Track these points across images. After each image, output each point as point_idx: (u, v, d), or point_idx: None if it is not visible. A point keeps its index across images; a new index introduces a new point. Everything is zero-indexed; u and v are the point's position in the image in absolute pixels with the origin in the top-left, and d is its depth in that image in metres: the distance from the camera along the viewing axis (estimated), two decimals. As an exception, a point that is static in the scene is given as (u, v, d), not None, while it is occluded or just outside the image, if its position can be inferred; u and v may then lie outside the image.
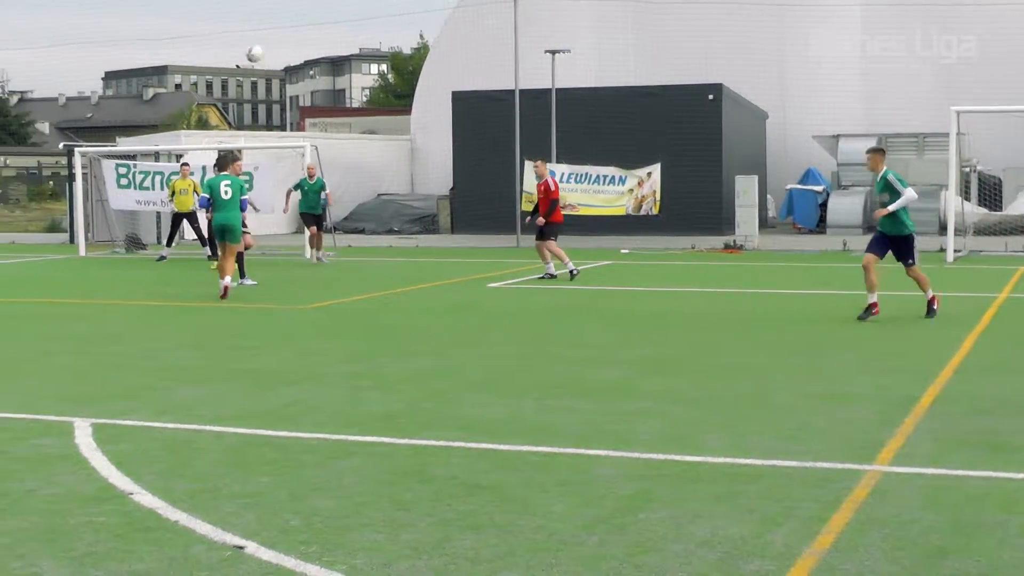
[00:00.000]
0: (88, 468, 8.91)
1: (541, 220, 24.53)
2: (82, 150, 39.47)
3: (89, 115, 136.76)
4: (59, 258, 34.82)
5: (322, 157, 32.24)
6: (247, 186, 23.43)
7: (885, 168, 17.22)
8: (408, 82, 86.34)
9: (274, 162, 36.12)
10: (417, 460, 9.05)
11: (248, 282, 23.96)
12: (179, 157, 37.20)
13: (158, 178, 34.79)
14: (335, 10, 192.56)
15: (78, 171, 37.84)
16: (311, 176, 29.90)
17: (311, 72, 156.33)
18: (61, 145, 60.76)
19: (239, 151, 30.73)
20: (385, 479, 8.48)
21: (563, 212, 25.81)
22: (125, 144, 48.04)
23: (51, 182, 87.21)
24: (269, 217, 36.46)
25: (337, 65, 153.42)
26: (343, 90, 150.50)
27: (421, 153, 52.92)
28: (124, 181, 35.92)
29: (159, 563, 6.71)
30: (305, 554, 6.82)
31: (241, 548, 6.94)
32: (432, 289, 23.36)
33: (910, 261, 17.17)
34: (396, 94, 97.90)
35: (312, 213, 29.86)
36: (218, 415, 10.83)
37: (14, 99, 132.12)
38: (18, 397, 11.95)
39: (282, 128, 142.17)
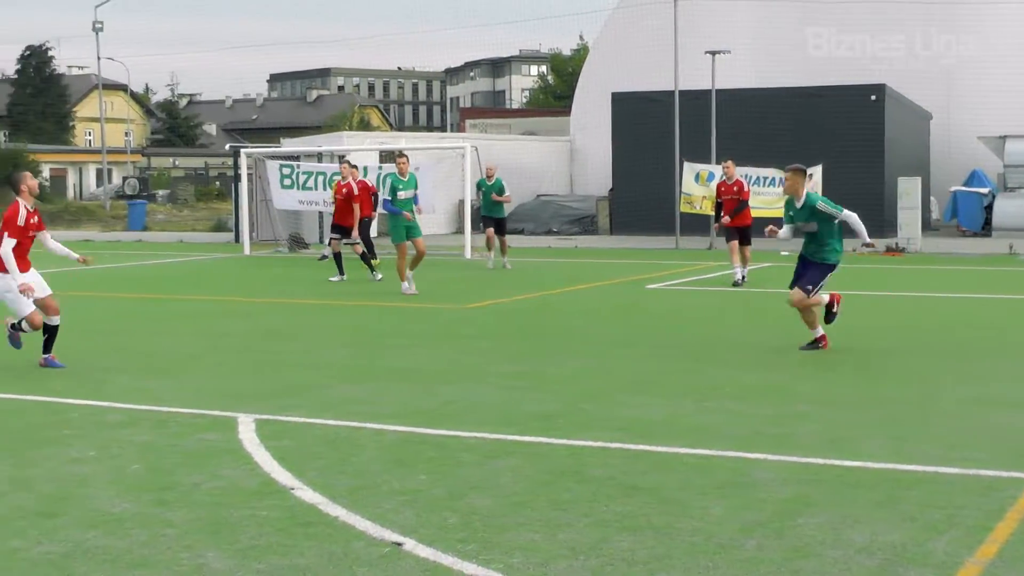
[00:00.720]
0: (251, 463, 9.08)
1: (727, 219, 24.06)
2: (247, 151, 40.14)
3: (254, 117, 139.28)
4: (224, 257, 35.50)
5: (482, 158, 32.35)
6: (386, 186, 23.49)
7: (807, 192, 14.79)
8: (568, 83, 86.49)
9: (434, 163, 36.39)
10: (575, 460, 9.07)
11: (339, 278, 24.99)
12: (341, 158, 37.62)
13: (320, 178, 35.30)
14: (495, 12, 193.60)
15: (243, 172, 38.47)
16: (490, 176, 28.35)
17: (471, 73, 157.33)
18: (227, 146, 61.91)
19: (399, 151, 30.93)
20: (543, 479, 8.51)
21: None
22: (289, 145, 48.81)
23: (217, 182, 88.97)
24: (428, 217, 36.71)
25: (497, 66, 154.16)
26: (503, 91, 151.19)
27: (580, 154, 52.95)
28: (287, 181, 36.53)
29: (319, 558, 6.82)
30: (463, 552, 6.88)
31: (400, 545, 7.02)
32: (591, 290, 23.37)
33: (808, 287, 14.61)
34: (556, 95, 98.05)
35: (491, 216, 28.31)
36: (378, 412, 10.95)
37: (183, 102, 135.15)
38: (185, 392, 12.22)
39: (442, 129, 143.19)
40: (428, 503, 7.90)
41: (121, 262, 32.71)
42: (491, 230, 28.12)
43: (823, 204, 14.66)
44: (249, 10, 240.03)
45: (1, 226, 13.32)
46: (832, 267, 14.83)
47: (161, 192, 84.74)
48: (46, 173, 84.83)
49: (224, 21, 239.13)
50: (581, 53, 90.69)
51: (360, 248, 25.89)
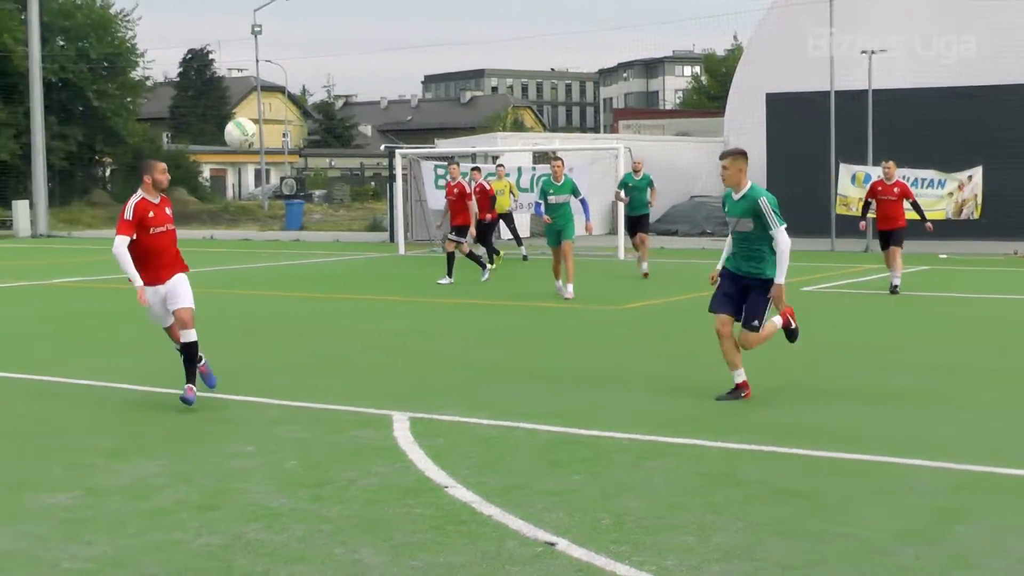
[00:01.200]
0: (405, 461, 9.18)
1: (929, 225, 23.46)
2: (402, 152, 40.49)
3: (409, 118, 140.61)
4: (379, 256, 35.85)
5: (635, 159, 32.22)
6: (538, 188, 23.50)
7: (751, 183, 11.70)
8: (721, 84, 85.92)
9: (587, 164, 36.40)
10: (728, 463, 9.02)
11: (443, 280, 24.75)
12: (495, 159, 37.84)
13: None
14: (648, 12, 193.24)
15: (398, 172, 38.83)
16: (637, 172, 26.86)
17: (624, 74, 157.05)
18: (382, 147, 62.63)
19: (554, 153, 30.92)
20: (696, 481, 8.48)
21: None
22: (443, 146, 49.17)
23: (372, 182, 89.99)
24: (578, 218, 36.66)
25: (650, 67, 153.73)
26: (656, 92, 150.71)
27: (734, 155, 52.52)
28: (442, 182, 36.80)
29: (473, 556, 6.87)
30: (615, 553, 6.88)
31: (552, 545, 7.05)
32: (743, 292, 23.13)
33: (755, 324, 11.63)
34: (709, 96, 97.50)
35: (635, 213, 26.91)
36: (530, 412, 10.99)
37: (339, 103, 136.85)
38: (340, 390, 12.39)
39: (596, 130, 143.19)
40: (581, 503, 7.92)
41: (279, 260, 33.23)
42: (642, 234, 26.70)
43: (767, 202, 11.50)
44: (404, 11, 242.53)
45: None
46: (780, 288, 11.72)
47: (317, 192, 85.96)
48: (206, 173, 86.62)
49: (380, 23, 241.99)
50: (735, 53, 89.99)
51: (467, 248, 25.56)
